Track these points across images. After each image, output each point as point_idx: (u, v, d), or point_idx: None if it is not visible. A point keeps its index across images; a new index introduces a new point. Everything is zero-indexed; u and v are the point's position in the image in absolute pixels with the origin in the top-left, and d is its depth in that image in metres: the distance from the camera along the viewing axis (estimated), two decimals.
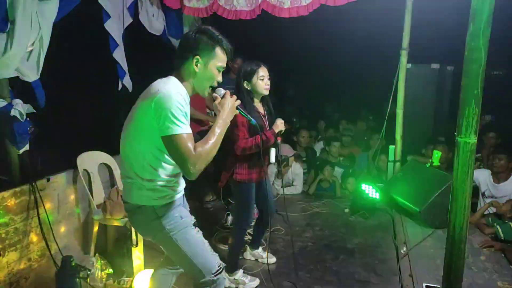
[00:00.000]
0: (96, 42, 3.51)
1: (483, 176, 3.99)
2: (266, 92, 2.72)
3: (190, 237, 1.83)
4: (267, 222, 3.05)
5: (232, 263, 2.89)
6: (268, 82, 2.70)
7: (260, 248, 3.28)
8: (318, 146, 5.89)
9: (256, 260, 3.25)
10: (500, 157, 3.88)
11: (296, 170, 4.87)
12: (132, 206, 1.80)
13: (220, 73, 1.82)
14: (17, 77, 2.64)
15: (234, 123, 2.54)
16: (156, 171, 1.74)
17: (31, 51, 2.67)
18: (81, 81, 3.39)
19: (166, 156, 1.73)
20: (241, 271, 2.95)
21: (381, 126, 4.58)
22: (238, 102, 1.83)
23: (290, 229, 3.81)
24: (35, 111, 2.74)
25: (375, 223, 4.08)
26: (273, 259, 3.23)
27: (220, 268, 1.90)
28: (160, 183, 1.76)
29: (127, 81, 3.74)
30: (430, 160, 4.43)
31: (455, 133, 1.65)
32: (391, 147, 4.67)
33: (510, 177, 3.88)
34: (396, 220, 4.00)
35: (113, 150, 3.50)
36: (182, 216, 1.83)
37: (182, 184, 1.91)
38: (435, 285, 2.22)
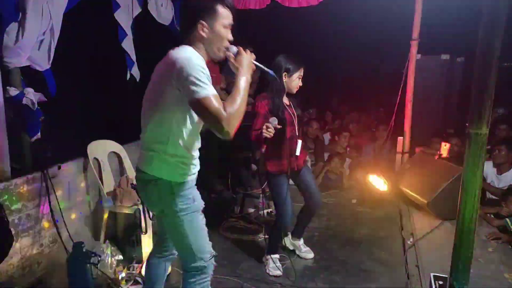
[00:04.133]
0: (105, 31, 3.52)
1: (487, 168, 3.99)
2: (295, 91, 2.82)
3: (196, 221, 1.85)
4: (310, 211, 3.04)
5: (270, 246, 2.99)
6: (301, 84, 2.79)
7: (302, 240, 3.22)
8: (325, 138, 5.90)
9: (293, 251, 3.21)
10: (499, 148, 3.88)
11: None
12: (149, 177, 1.79)
13: (229, 31, 1.76)
14: (29, 66, 2.67)
15: (255, 112, 2.67)
16: (179, 144, 1.74)
17: (42, 41, 2.70)
18: (91, 70, 3.42)
19: (190, 125, 1.73)
20: (275, 255, 2.96)
21: (389, 118, 4.57)
22: (254, 56, 1.78)
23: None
24: (46, 99, 2.78)
25: (382, 214, 4.08)
26: (311, 255, 3.18)
27: (212, 256, 1.92)
28: (181, 159, 1.77)
29: (135, 71, 3.76)
30: (439, 152, 4.41)
31: (467, 124, 1.65)
32: (400, 138, 4.66)
33: (511, 167, 3.90)
34: (404, 212, 4.01)
35: (122, 138, 3.53)
36: (195, 199, 1.84)
37: (198, 166, 1.92)
38: (443, 275, 2.23)
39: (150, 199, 1.89)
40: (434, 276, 2.24)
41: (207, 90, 1.57)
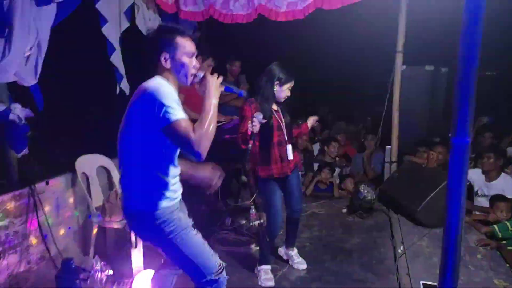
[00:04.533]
0: (93, 46, 3.52)
1: (476, 176, 4.03)
2: (282, 100, 2.89)
3: (189, 238, 1.84)
4: (289, 217, 3.08)
5: (261, 257, 3.00)
6: (289, 94, 2.86)
7: (295, 250, 3.22)
8: (315, 148, 5.93)
9: (287, 261, 3.21)
10: (488, 155, 3.90)
11: None
12: (132, 211, 1.82)
13: (193, 58, 1.84)
14: (16, 81, 2.65)
15: (242, 116, 2.75)
16: (156, 173, 1.77)
17: (29, 56, 2.69)
18: (79, 85, 3.41)
19: (164, 153, 1.76)
20: (267, 266, 2.96)
21: (376, 128, 4.63)
22: (221, 78, 1.83)
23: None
24: (33, 115, 2.76)
25: (373, 223, 4.11)
26: (303, 266, 3.16)
27: (221, 267, 1.91)
28: (159, 186, 1.78)
29: (124, 85, 3.76)
30: (426, 161, 4.47)
31: (450, 134, 1.68)
32: (387, 147, 4.71)
33: (500, 175, 3.91)
34: (393, 220, 4.03)
35: (111, 153, 3.51)
36: (180, 218, 1.84)
37: (180, 189, 1.93)
38: (432, 283, 2.25)
39: (139, 231, 1.93)
40: (423, 284, 2.26)
41: (176, 114, 1.64)
